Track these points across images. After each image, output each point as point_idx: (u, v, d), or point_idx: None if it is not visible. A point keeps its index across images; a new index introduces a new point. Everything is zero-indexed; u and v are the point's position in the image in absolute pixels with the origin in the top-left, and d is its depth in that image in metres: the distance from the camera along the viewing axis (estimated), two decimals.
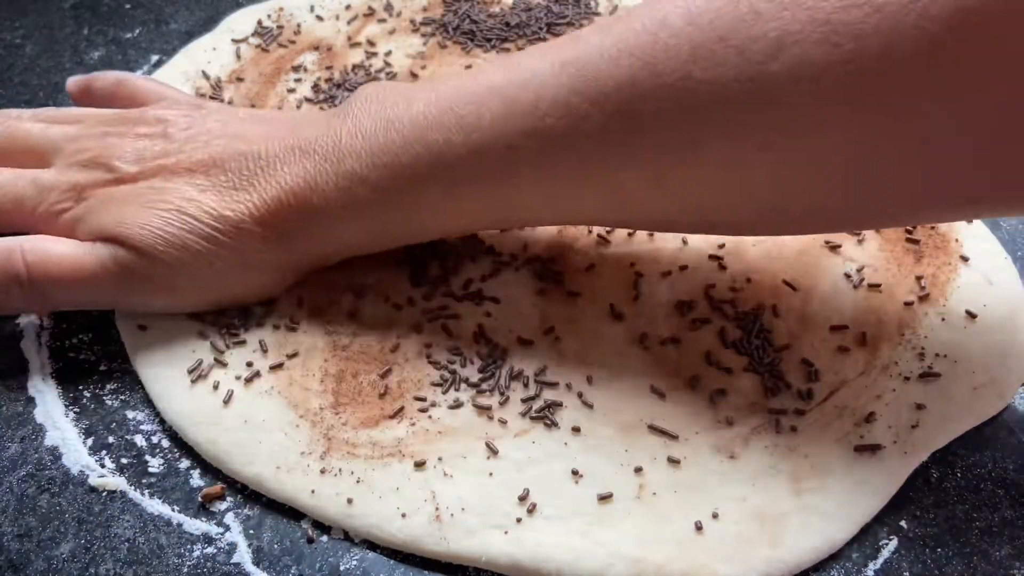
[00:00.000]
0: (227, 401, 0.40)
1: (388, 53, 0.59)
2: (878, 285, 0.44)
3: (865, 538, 0.37)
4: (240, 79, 0.57)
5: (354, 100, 0.42)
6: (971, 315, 0.43)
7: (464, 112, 0.38)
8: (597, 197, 0.39)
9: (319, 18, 0.62)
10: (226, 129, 0.43)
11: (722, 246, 0.46)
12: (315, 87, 0.56)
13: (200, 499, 0.37)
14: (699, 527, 0.36)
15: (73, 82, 0.49)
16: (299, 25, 0.61)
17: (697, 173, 0.37)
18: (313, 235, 0.41)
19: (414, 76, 0.58)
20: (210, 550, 0.36)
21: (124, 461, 0.39)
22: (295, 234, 0.40)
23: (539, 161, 0.38)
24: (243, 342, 0.42)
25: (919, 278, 0.44)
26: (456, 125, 0.38)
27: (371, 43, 0.60)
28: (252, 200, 0.40)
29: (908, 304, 0.43)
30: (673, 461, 0.38)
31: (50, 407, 0.41)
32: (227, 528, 0.37)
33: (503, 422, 0.39)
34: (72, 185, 0.41)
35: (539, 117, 0.37)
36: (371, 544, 0.37)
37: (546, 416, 0.39)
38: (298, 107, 0.55)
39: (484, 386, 0.40)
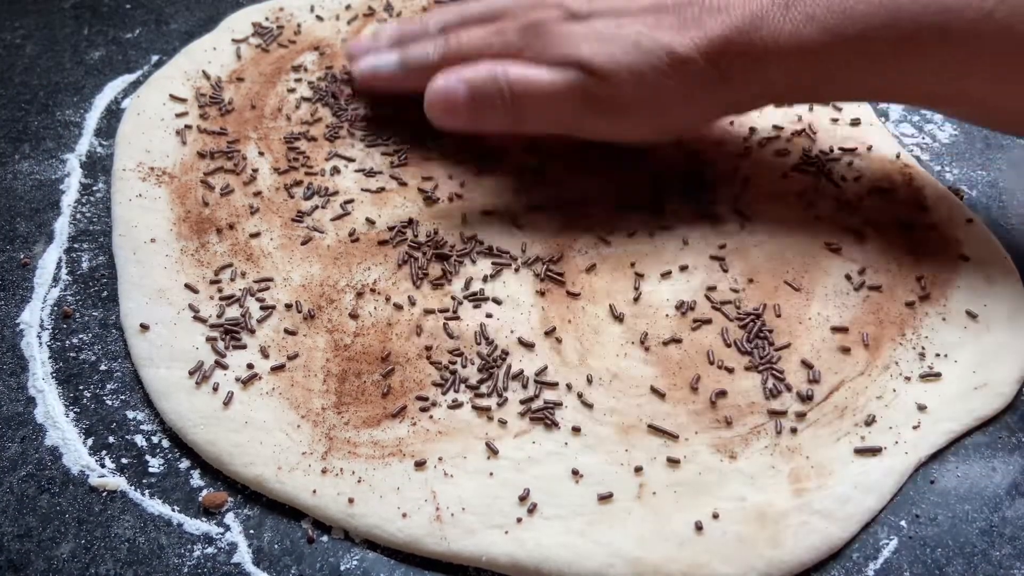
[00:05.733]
0: (227, 403, 0.40)
1: None
2: (878, 286, 0.44)
3: (865, 538, 0.37)
4: (240, 79, 0.57)
5: None
6: (971, 315, 0.43)
7: None
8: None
9: (319, 18, 0.61)
10: None
11: (723, 247, 0.46)
12: (315, 87, 0.56)
13: (202, 504, 0.38)
14: (699, 527, 0.36)
15: None
16: (299, 25, 0.61)
17: None
18: (753, 75, 0.43)
19: None
20: (210, 550, 0.36)
21: (124, 461, 0.39)
22: (737, 72, 0.43)
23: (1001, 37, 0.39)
24: (244, 344, 0.42)
25: (919, 278, 0.44)
26: None
27: None
28: (701, 36, 0.42)
29: (908, 304, 0.43)
30: (673, 461, 0.38)
31: (50, 407, 0.41)
32: (227, 528, 0.37)
33: (503, 422, 0.39)
34: (531, 23, 0.46)
35: None
36: (371, 544, 0.37)
37: (546, 416, 0.39)
38: (297, 107, 0.55)
39: (483, 387, 0.40)
